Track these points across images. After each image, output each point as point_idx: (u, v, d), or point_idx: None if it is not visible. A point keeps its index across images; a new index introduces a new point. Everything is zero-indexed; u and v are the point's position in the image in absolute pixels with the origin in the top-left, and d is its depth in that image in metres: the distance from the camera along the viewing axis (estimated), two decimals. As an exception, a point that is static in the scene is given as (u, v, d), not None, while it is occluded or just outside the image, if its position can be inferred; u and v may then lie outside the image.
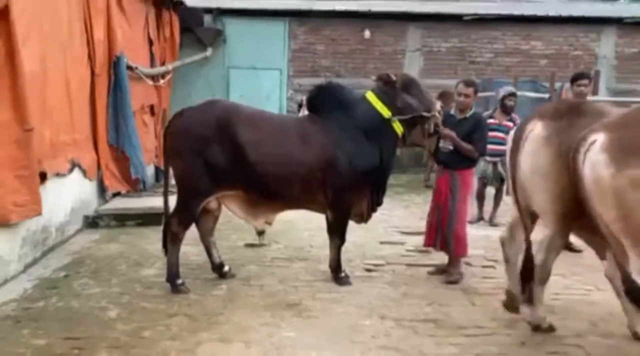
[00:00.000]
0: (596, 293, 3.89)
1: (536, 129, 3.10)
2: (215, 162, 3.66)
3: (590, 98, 6.51)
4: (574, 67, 10.38)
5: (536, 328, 3.25)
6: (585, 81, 5.04)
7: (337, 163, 3.80)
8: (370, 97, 3.97)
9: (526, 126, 3.19)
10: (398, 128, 3.95)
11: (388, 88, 3.94)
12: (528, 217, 3.21)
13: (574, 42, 10.89)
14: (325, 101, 3.95)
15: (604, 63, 10.85)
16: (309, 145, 3.80)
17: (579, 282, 4.14)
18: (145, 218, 5.59)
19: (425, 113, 3.92)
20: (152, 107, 7.79)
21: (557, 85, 8.31)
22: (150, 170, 7.48)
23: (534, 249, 3.14)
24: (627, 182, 2.54)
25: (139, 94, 6.88)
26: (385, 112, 3.91)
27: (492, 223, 6.02)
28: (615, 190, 2.57)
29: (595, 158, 2.65)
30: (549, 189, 3.00)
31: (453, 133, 4.03)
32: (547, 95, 8.00)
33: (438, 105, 3.95)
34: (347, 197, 3.90)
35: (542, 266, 3.15)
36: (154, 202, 5.77)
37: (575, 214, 2.92)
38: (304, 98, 8.00)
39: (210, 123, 3.69)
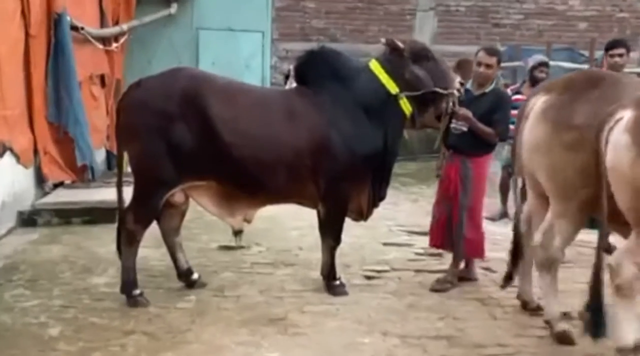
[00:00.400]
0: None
1: (537, 104, 3.36)
2: (181, 145, 3.64)
3: (632, 70, 6.58)
4: (619, 32, 10.44)
5: (559, 337, 3.35)
6: (620, 50, 5.01)
7: (332, 146, 3.80)
8: (375, 67, 3.97)
9: (530, 101, 3.47)
10: (406, 106, 3.95)
11: (395, 57, 3.92)
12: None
13: (619, 2, 10.95)
14: (317, 70, 3.93)
15: (655, 27, 10.92)
16: (297, 124, 3.78)
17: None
18: (95, 215, 5.57)
19: (440, 90, 3.91)
20: (102, 77, 7.74)
21: (598, 53, 8.34)
22: (100, 155, 7.44)
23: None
24: None
25: (87, 61, 6.81)
26: (392, 87, 3.91)
27: (518, 220, 6.05)
28: (634, 176, 2.75)
29: (617, 139, 2.84)
30: (545, 167, 3.28)
31: (469, 113, 4.03)
32: (586, 66, 8.05)
33: (457, 81, 3.94)
34: (343, 188, 3.90)
35: (540, 248, 3.39)
36: (105, 194, 5.74)
37: (576, 195, 3.17)
38: (292, 67, 7.98)
39: (175, 97, 3.66)
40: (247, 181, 3.79)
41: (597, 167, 2.94)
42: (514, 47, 9.64)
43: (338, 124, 3.83)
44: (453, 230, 4.16)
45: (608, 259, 3.00)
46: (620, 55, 4.97)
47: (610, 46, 5.06)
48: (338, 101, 3.87)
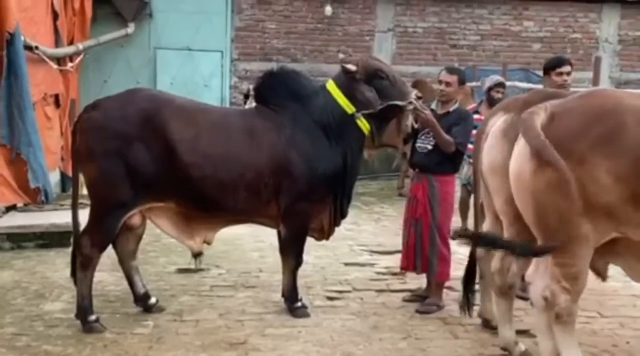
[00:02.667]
0: (599, 320, 4.06)
1: (497, 123, 3.38)
2: (140, 167, 3.63)
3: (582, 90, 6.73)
4: (573, 52, 10.85)
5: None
6: (568, 68, 4.66)
7: (292, 166, 3.84)
8: (331, 87, 4.03)
9: (489, 121, 3.50)
10: (364, 125, 4.01)
11: (348, 78, 3.98)
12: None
13: (572, 23, 11.37)
14: (277, 91, 3.98)
15: (606, 48, 11.37)
16: (257, 144, 3.82)
17: (579, 308, 4.28)
18: (49, 239, 5.53)
19: (398, 103, 3.96)
20: (57, 98, 7.62)
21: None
22: (54, 178, 7.31)
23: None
24: (544, 182, 2.74)
25: (41, 81, 6.74)
26: (348, 107, 3.97)
27: (478, 239, 6.16)
28: (533, 190, 2.78)
29: (521, 148, 2.86)
30: (503, 190, 3.23)
31: (431, 117, 4.05)
32: (540, 86, 8.30)
33: (413, 94, 4.01)
34: (305, 208, 3.93)
35: (498, 274, 3.43)
36: (60, 217, 5.70)
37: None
38: (252, 87, 8.01)
39: (133, 118, 3.66)
40: (207, 202, 3.79)
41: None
42: (471, 68, 9.90)
43: (298, 144, 3.87)
44: (426, 252, 4.16)
45: (541, 291, 2.99)
46: (569, 74, 4.66)
47: (557, 64, 4.70)
48: (297, 121, 3.92)
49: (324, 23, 10.84)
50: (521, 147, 2.87)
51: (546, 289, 2.93)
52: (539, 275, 2.99)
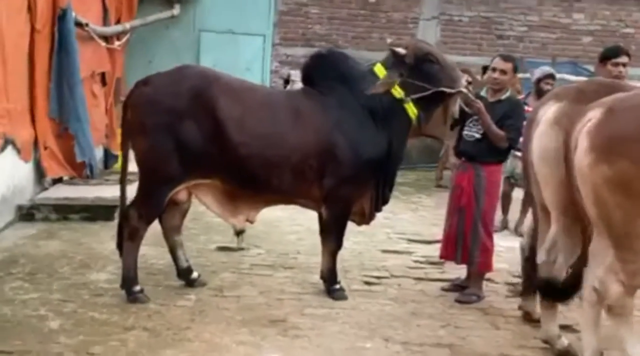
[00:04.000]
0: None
1: (549, 112, 3.30)
2: (189, 142, 3.70)
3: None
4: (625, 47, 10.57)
5: (562, 355, 3.36)
6: (625, 59, 4.42)
7: (337, 148, 3.87)
8: (379, 71, 4.03)
9: (540, 109, 3.43)
10: (411, 110, 4.00)
11: (397, 62, 3.97)
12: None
13: (625, 16, 11.06)
14: (324, 72, 4.00)
15: (660, 44, 11.05)
16: (303, 125, 3.86)
17: None
18: (93, 211, 5.66)
19: (447, 89, 3.95)
20: (103, 75, 7.76)
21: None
22: (98, 154, 7.47)
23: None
24: (601, 178, 2.70)
25: (89, 58, 6.87)
26: (396, 91, 3.97)
27: (517, 232, 6.12)
28: (593, 184, 2.74)
29: (581, 141, 2.81)
30: (553, 178, 3.18)
31: (483, 108, 4.00)
32: (591, 80, 8.12)
33: (464, 80, 3.99)
34: (347, 191, 3.97)
35: (544, 266, 3.35)
36: (104, 191, 5.87)
37: (578, 211, 3.08)
38: (291, 71, 8.05)
39: (184, 94, 3.72)
40: (252, 180, 3.85)
41: (568, 170, 2.93)
42: (518, 60, 9.75)
43: (343, 126, 3.89)
44: (467, 242, 4.15)
45: (592, 281, 2.97)
46: (624, 65, 4.42)
47: (613, 54, 4.47)
48: (344, 103, 3.93)
49: (367, 9, 10.78)
50: (581, 138, 2.82)
51: (595, 280, 2.90)
52: (593, 267, 2.96)
